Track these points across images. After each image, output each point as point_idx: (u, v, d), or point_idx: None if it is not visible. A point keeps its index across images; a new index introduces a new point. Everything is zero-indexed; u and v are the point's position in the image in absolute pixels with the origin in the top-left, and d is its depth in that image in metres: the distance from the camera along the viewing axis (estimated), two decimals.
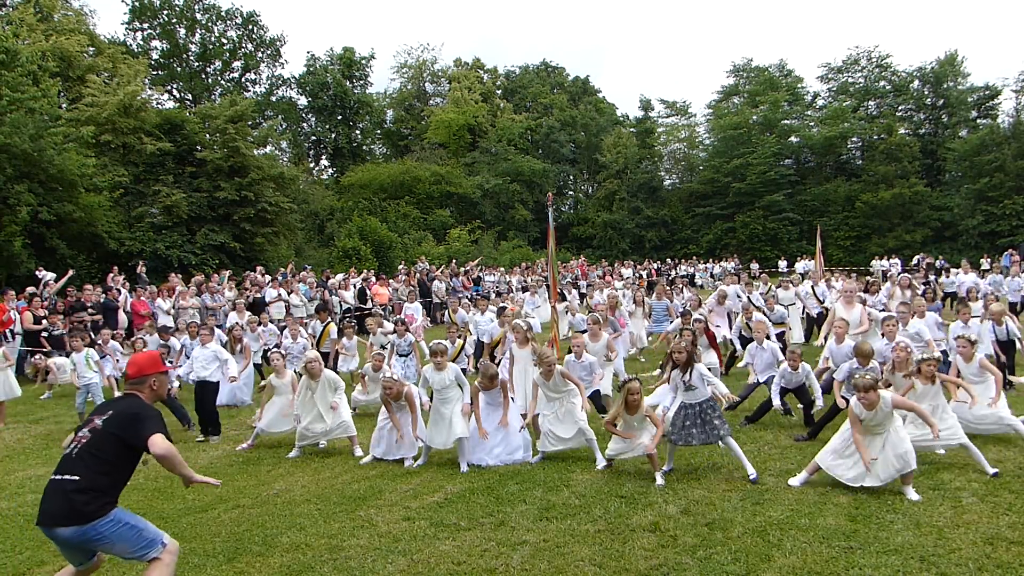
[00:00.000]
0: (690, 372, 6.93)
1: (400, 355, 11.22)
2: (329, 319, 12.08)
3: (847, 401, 7.37)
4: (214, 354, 9.81)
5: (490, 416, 7.89)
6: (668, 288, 15.39)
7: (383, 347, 11.17)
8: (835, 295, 13.43)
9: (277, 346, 12.26)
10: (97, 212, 24.10)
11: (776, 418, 9.42)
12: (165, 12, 43.01)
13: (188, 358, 11.02)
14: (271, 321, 14.31)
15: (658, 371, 9.89)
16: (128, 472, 4.31)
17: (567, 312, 15.23)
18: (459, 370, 8.04)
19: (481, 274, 26.84)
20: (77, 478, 4.08)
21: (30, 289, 16.40)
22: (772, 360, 9.13)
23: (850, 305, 10.20)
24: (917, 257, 32.53)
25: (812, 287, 14.62)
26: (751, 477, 6.72)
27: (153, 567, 4.26)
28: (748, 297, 13.30)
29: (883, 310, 11.25)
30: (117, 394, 9.31)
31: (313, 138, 50.57)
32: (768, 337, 9.55)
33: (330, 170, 50.63)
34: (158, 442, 4.16)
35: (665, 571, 5.05)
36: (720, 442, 6.89)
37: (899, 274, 18.05)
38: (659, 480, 6.82)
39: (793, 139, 46.26)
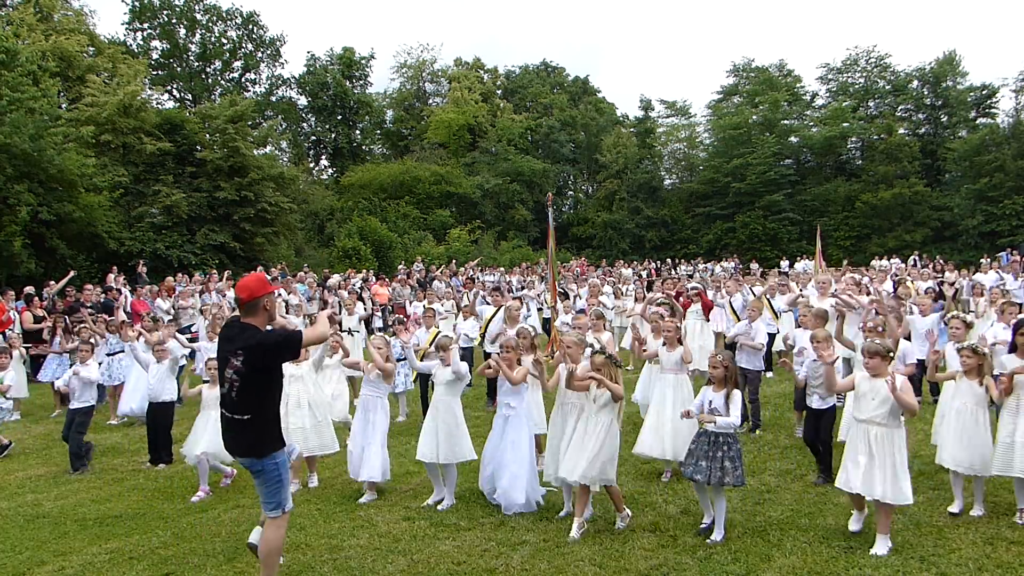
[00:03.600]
0: (725, 395, 5.72)
1: (397, 359, 10.80)
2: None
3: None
4: (167, 370, 8.80)
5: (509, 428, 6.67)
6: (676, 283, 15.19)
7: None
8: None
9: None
10: (97, 212, 24.09)
11: (777, 418, 9.43)
12: (165, 12, 42.96)
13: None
14: None
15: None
16: (276, 397, 4.79)
17: (565, 311, 15.12)
18: (465, 369, 6.97)
19: (480, 274, 26.80)
20: (249, 416, 4.57)
21: (28, 289, 16.39)
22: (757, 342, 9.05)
23: (824, 297, 10.23)
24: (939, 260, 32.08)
25: (801, 289, 14.28)
26: (715, 537, 5.54)
27: (274, 523, 4.73)
28: (730, 301, 12.86)
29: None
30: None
31: (313, 138, 50.51)
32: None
33: (330, 170, 50.57)
34: (308, 335, 4.77)
35: (665, 571, 5.05)
36: (720, 485, 5.55)
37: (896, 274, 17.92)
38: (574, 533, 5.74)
39: (793, 139, 46.15)
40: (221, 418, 4.75)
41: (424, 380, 10.23)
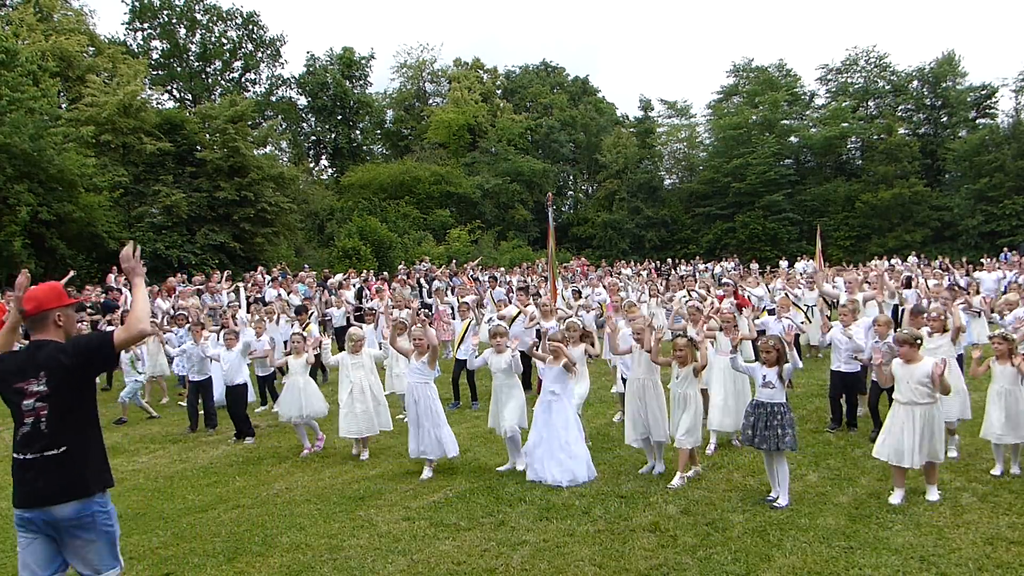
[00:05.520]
0: (777, 372, 6.33)
1: None
2: (308, 320, 12.13)
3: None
4: (239, 356, 9.59)
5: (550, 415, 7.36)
6: (683, 280, 15.41)
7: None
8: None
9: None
10: (97, 212, 24.11)
11: None
12: (165, 12, 42.99)
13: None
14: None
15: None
16: (96, 422, 3.91)
17: (583, 309, 15.20)
18: (517, 357, 7.76)
19: (480, 274, 26.78)
20: (66, 448, 3.70)
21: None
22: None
23: (853, 293, 10.48)
24: (939, 260, 32.03)
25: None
26: (780, 503, 6.18)
27: None
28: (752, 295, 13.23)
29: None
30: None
31: (313, 138, 50.52)
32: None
33: (330, 170, 50.60)
34: (120, 336, 3.80)
35: (665, 571, 5.05)
36: (777, 451, 6.23)
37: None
38: (677, 481, 6.80)
39: (793, 139, 46.17)
40: (20, 467, 3.71)
41: (458, 368, 11.03)
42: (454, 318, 14.50)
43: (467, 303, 12.67)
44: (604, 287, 17.92)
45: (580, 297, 15.86)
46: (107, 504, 3.81)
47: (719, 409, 7.97)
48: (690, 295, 13.30)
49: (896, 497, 6.17)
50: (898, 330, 6.81)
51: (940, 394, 6.10)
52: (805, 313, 12.95)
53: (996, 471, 6.72)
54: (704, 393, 8.59)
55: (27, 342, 4.03)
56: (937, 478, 6.26)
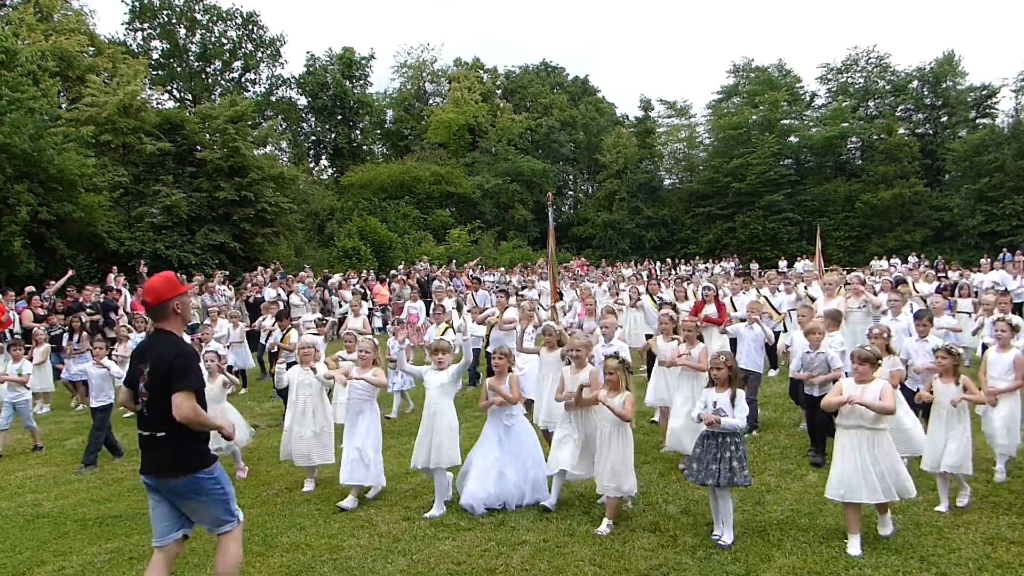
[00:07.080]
0: (730, 395, 5.49)
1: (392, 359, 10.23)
2: (290, 325, 11.64)
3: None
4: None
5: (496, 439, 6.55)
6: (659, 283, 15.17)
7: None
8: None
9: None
10: (97, 212, 24.12)
11: (777, 418, 9.43)
12: (165, 12, 42.96)
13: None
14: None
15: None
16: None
17: (569, 309, 14.91)
18: (457, 374, 6.79)
19: (479, 275, 26.77)
20: (165, 433, 4.18)
21: (29, 288, 16.42)
22: (759, 343, 8.93)
23: (831, 297, 10.24)
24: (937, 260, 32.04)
25: (805, 288, 14.23)
26: (725, 540, 5.39)
27: (231, 536, 4.40)
28: (732, 299, 12.78)
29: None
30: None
31: (313, 138, 50.53)
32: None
33: (330, 170, 50.61)
34: (180, 405, 4.09)
35: (665, 571, 5.05)
36: (729, 486, 5.40)
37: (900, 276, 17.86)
38: (603, 528, 5.79)
39: (793, 139, 46.20)
40: (140, 440, 4.33)
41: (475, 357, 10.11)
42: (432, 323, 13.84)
43: (442, 306, 12.42)
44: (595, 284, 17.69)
45: (562, 298, 14.72)
46: (213, 471, 4.30)
47: (691, 431, 6.60)
48: (653, 300, 13.01)
49: (853, 546, 5.17)
50: (858, 345, 5.86)
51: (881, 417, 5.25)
52: (783, 318, 12.62)
53: (942, 507, 5.86)
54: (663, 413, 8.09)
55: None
56: (889, 508, 5.45)
